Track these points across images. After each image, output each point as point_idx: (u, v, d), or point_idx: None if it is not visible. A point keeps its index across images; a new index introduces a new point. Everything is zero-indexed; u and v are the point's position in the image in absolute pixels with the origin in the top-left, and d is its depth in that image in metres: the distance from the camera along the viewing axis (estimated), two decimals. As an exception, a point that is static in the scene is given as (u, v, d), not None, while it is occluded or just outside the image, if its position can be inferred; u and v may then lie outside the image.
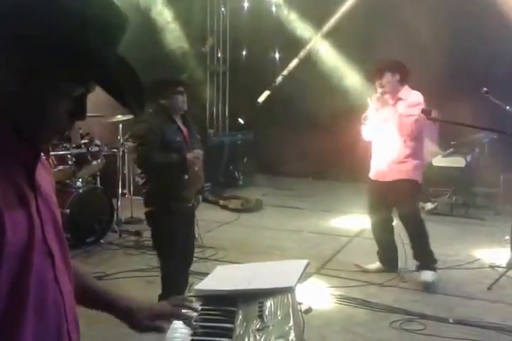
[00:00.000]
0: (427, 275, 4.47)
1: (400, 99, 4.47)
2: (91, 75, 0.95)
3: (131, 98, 1.00)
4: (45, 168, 1.14)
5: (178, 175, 3.58)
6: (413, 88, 4.54)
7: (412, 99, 4.43)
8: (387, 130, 4.50)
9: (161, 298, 3.72)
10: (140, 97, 1.05)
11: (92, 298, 1.28)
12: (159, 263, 3.82)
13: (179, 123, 3.72)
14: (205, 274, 1.89)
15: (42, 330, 0.98)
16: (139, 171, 3.78)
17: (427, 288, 4.41)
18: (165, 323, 1.36)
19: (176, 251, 3.63)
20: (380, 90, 4.48)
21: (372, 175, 4.72)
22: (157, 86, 3.71)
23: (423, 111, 6.86)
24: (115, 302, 1.32)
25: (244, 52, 9.90)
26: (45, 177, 1.12)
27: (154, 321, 1.33)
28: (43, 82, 0.93)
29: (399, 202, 4.56)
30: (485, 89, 4.61)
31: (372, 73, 4.58)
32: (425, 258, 4.53)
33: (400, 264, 4.78)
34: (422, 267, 4.53)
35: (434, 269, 4.51)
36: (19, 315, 0.93)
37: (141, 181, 3.78)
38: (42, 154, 1.05)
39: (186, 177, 3.59)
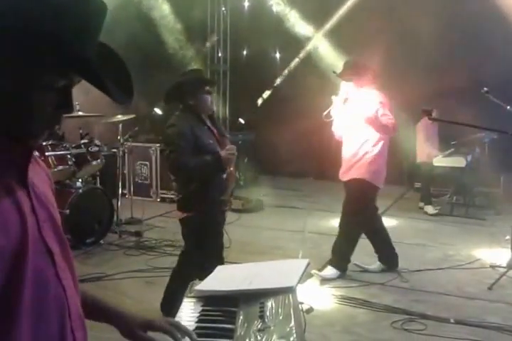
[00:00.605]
0: (327, 271, 4.57)
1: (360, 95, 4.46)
2: (68, 65, 0.93)
3: (117, 86, 0.98)
4: (42, 168, 1.14)
5: (216, 175, 3.44)
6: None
7: (378, 99, 4.38)
8: (349, 128, 4.49)
9: (168, 289, 3.67)
10: (127, 85, 1.03)
11: (89, 304, 1.25)
12: (178, 260, 3.73)
13: (209, 124, 3.56)
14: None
15: (41, 328, 0.97)
16: (173, 177, 3.60)
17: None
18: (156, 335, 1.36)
19: (202, 255, 3.54)
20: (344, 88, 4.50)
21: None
22: (184, 86, 3.50)
23: (423, 111, 6.87)
24: (112, 311, 1.31)
25: (244, 52, 9.90)
26: (42, 177, 1.11)
27: (146, 332, 1.32)
28: (21, 76, 0.92)
29: (345, 200, 4.60)
30: (485, 89, 4.61)
31: (341, 74, 4.52)
32: (336, 255, 4.62)
33: (401, 264, 4.79)
34: (330, 262, 4.64)
35: (338, 268, 4.59)
36: (13, 312, 0.92)
37: (175, 187, 3.64)
38: (36, 153, 1.04)
39: (225, 176, 3.46)
